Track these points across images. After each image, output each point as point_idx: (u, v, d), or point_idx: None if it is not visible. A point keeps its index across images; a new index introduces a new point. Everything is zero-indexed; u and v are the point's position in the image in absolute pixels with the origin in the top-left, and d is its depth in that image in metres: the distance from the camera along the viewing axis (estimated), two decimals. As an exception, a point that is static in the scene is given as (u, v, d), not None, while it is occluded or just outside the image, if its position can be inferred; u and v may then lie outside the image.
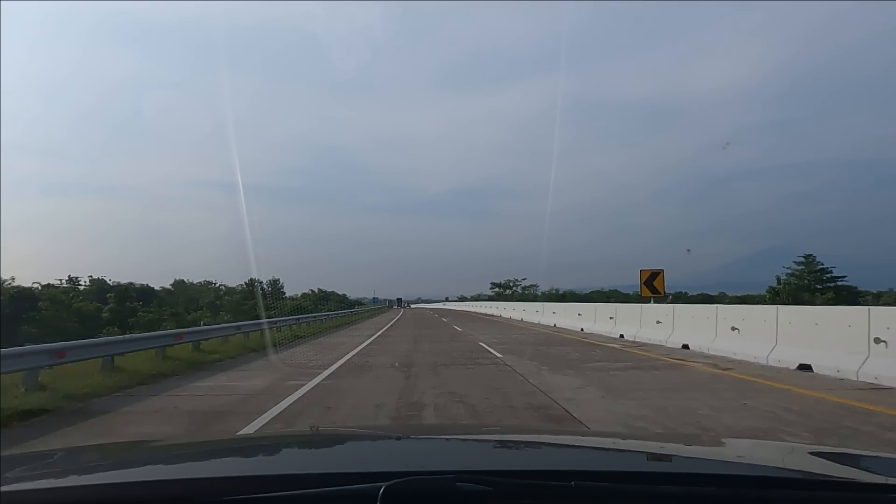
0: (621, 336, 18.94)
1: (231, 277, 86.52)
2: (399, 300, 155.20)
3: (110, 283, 77.94)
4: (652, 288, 20.46)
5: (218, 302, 74.55)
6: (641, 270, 20.23)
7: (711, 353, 13.25)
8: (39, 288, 59.59)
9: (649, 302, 19.59)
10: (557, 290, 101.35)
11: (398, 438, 2.24)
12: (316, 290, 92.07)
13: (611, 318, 21.00)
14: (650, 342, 16.53)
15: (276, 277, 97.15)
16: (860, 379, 9.18)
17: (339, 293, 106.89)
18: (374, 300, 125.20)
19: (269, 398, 8.33)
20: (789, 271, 58.76)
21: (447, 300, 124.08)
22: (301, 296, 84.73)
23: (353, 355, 14.80)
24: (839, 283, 58.59)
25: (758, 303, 42.96)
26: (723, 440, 2.31)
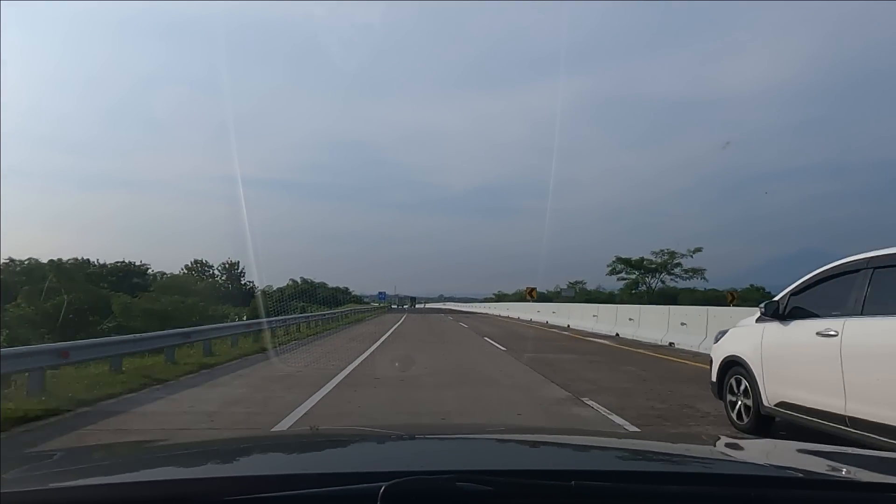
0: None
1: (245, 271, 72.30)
2: (413, 300, 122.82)
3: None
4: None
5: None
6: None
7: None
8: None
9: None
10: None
11: (398, 438, 2.23)
12: (298, 281, 72.23)
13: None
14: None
15: (235, 260, 72.68)
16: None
17: (331, 285, 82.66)
18: (381, 296, 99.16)
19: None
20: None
21: (510, 294, 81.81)
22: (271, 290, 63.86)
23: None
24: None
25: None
26: (723, 440, 2.29)
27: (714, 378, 6.69)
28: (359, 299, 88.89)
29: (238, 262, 76.11)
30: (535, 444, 2.21)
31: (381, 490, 1.21)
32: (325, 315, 31.42)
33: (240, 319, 25.43)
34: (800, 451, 2.01)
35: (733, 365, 6.26)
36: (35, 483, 1.54)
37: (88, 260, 54.38)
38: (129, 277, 53.43)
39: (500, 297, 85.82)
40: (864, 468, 1.73)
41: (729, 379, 6.36)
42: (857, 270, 4.91)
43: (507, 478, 1.37)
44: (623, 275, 53.17)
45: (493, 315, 50.01)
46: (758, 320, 5.98)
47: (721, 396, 6.55)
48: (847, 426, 4.61)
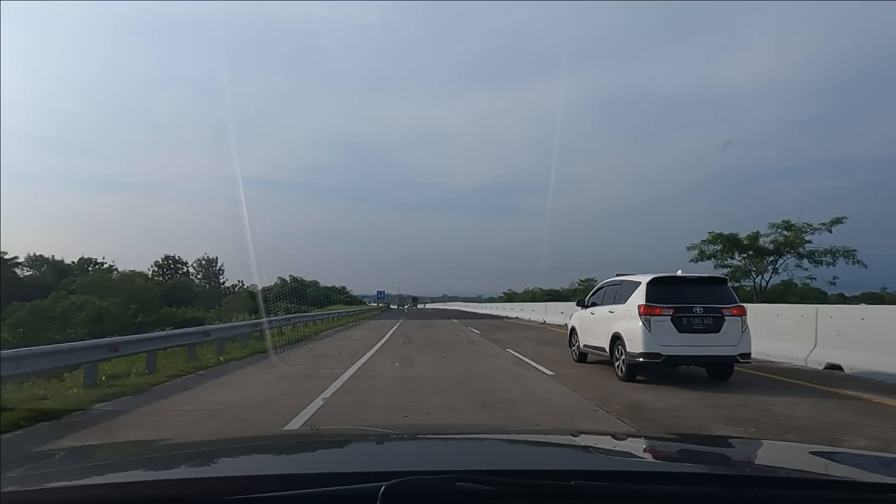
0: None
1: (245, 273, 68.91)
2: (414, 299, 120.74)
3: None
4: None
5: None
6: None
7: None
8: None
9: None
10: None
11: (398, 438, 2.28)
12: (288, 279, 65.67)
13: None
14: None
15: (213, 256, 68.63)
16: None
17: (323, 284, 76.69)
18: (380, 296, 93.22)
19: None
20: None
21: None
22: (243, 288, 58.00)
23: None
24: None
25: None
26: (723, 440, 2.42)
27: (568, 337, 13.37)
28: (357, 299, 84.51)
29: (216, 258, 69.07)
30: (535, 443, 2.26)
31: (381, 490, 1.22)
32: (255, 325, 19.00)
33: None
34: (800, 451, 2.13)
35: (573, 331, 12.93)
36: (35, 483, 1.58)
37: (42, 256, 51.77)
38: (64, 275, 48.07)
39: (511, 297, 78.87)
40: (864, 469, 1.80)
41: (571, 337, 13.04)
42: (603, 287, 11.72)
43: (508, 478, 1.38)
44: (715, 259, 33.58)
45: (533, 324, 31.45)
46: (582, 309, 12.62)
47: (570, 346, 13.22)
48: (599, 350, 11.26)
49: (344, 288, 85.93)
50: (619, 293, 10.55)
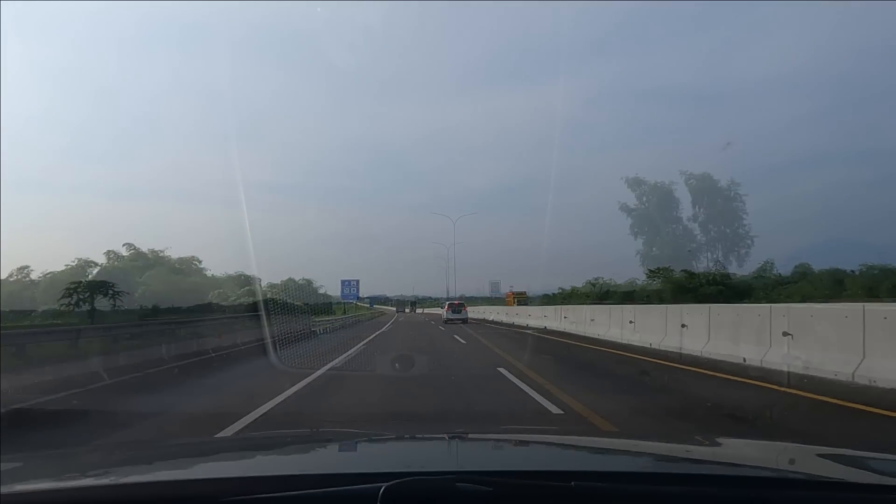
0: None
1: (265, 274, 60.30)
2: (413, 304, 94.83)
3: None
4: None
5: None
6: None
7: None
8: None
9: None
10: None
11: (398, 439, 2.31)
12: (125, 254, 51.33)
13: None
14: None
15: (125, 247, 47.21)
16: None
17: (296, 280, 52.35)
18: (348, 294, 55.20)
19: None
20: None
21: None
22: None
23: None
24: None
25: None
26: (723, 441, 2.42)
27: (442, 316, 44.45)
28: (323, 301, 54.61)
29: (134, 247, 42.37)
30: (535, 444, 2.31)
31: (381, 490, 1.24)
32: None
33: None
34: (800, 452, 2.12)
35: (442, 314, 44.05)
36: (34, 483, 1.60)
37: None
38: None
39: (549, 299, 53.62)
40: (865, 470, 1.79)
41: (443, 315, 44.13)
42: (443, 301, 43.23)
43: (507, 478, 1.41)
44: None
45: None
46: (441, 307, 43.67)
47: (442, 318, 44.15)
48: (443, 319, 42.25)
49: (310, 282, 56.05)
50: (444, 304, 41.36)
